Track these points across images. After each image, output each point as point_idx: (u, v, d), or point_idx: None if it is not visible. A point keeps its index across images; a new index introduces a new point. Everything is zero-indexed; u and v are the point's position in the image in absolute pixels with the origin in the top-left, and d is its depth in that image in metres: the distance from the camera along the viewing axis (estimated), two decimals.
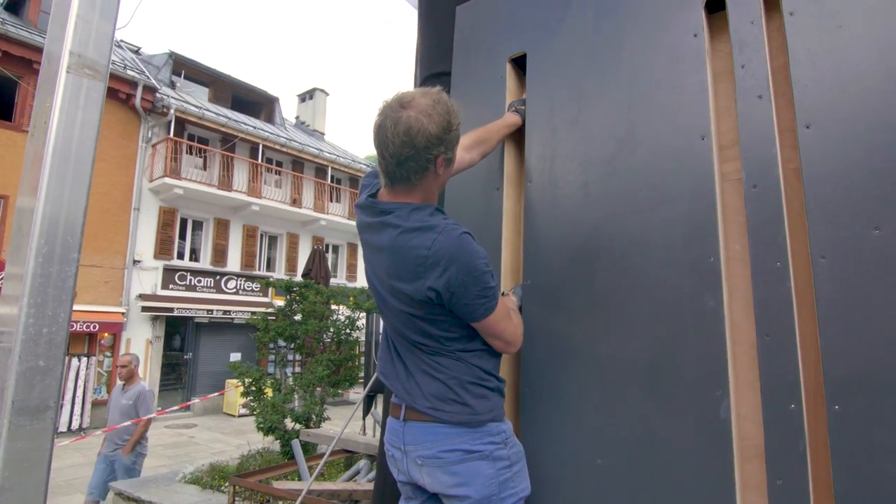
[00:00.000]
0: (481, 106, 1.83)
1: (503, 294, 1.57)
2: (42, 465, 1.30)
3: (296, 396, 6.34)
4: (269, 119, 18.10)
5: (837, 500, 1.05)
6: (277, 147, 16.11)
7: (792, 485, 1.10)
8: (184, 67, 16.11)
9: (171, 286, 13.43)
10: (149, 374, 12.97)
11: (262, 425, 6.15)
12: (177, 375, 14.08)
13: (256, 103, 18.18)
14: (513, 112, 1.71)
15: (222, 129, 14.67)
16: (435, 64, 2.03)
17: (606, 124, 1.52)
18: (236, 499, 2.80)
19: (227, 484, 3.79)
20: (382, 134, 1.20)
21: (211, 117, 14.42)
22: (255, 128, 15.70)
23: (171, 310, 13.22)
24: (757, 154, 1.27)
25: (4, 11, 12.05)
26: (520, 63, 1.79)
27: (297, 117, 22.22)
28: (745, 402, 1.24)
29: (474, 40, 1.90)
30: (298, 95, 22.83)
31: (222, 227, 14.80)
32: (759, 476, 1.18)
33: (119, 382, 5.32)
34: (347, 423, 2.24)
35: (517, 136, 1.73)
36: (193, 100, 15.05)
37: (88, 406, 11.39)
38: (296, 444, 4.60)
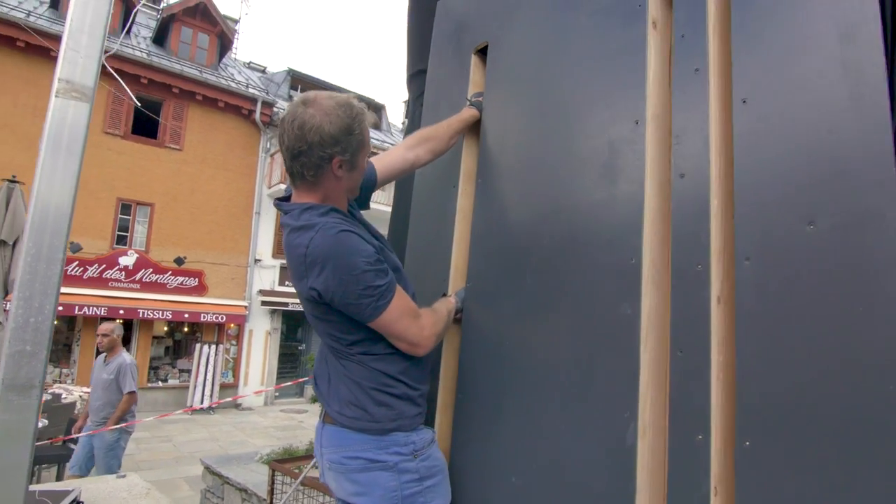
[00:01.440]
0: (448, 101, 1.76)
1: (445, 296, 1.51)
2: (27, 436, 1.49)
3: None
4: (377, 126, 19.02)
5: None
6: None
7: None
8: (301, 82, 17.53)
9: (286, 283, 14.68)
10: (268, 362, 14.30)
11: None
12: (293, 364, 15.41)
13: None
14: (469, 106, 1.63)
15: None
16: (417, 61, 2.00)
17: (546, 115, 1.39)
18: (275, 479, 3.00)
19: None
20: (281, 127, 1.22)
21: None
22: None
23: (286, 304, 14.45)
24: (687, 137, 1.08)
25: (152, 44, 14.02)
26: (486, 55, 1.70)
27: (403, 122, 23.06)
28: (663, 429, 1.06)
29: (448, 33, 1.84)
30: (404, 102, 23.70)
31: None
32: None
33: (101, 355, 4.62)
34: None
35: (478, 130, 1.65)
36: None
37: (217, 387, 12.85)
38: None
